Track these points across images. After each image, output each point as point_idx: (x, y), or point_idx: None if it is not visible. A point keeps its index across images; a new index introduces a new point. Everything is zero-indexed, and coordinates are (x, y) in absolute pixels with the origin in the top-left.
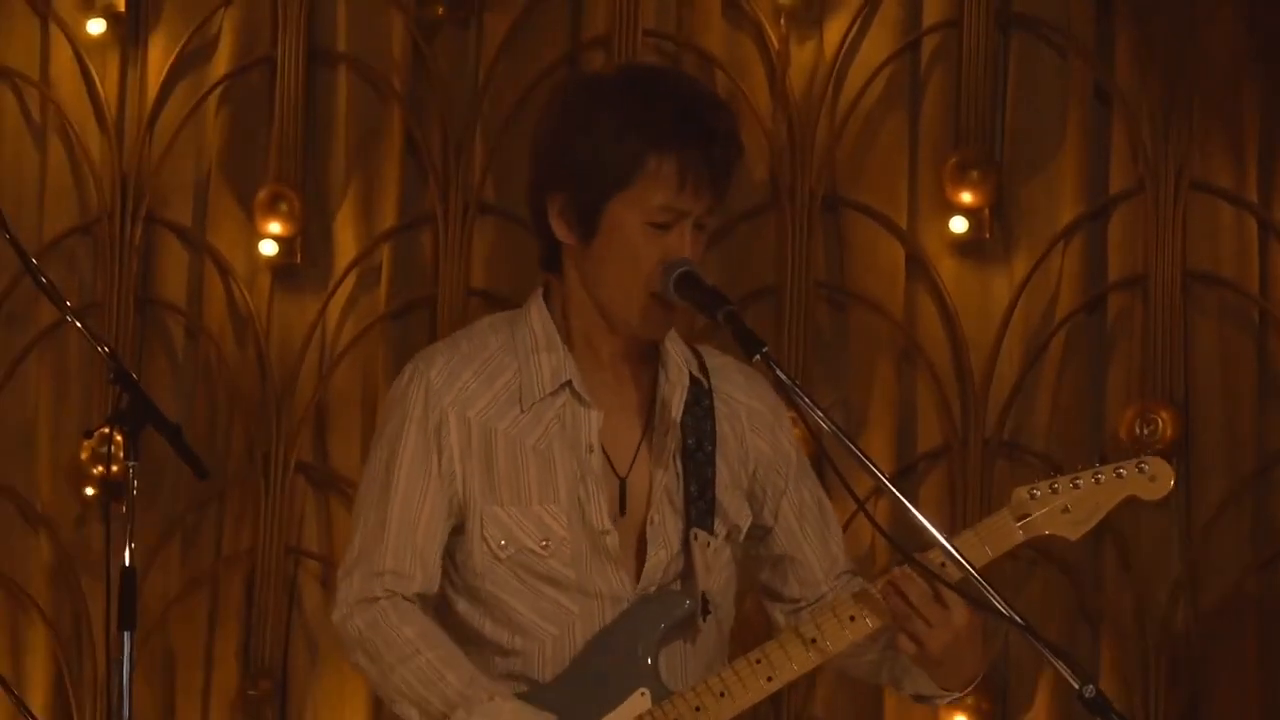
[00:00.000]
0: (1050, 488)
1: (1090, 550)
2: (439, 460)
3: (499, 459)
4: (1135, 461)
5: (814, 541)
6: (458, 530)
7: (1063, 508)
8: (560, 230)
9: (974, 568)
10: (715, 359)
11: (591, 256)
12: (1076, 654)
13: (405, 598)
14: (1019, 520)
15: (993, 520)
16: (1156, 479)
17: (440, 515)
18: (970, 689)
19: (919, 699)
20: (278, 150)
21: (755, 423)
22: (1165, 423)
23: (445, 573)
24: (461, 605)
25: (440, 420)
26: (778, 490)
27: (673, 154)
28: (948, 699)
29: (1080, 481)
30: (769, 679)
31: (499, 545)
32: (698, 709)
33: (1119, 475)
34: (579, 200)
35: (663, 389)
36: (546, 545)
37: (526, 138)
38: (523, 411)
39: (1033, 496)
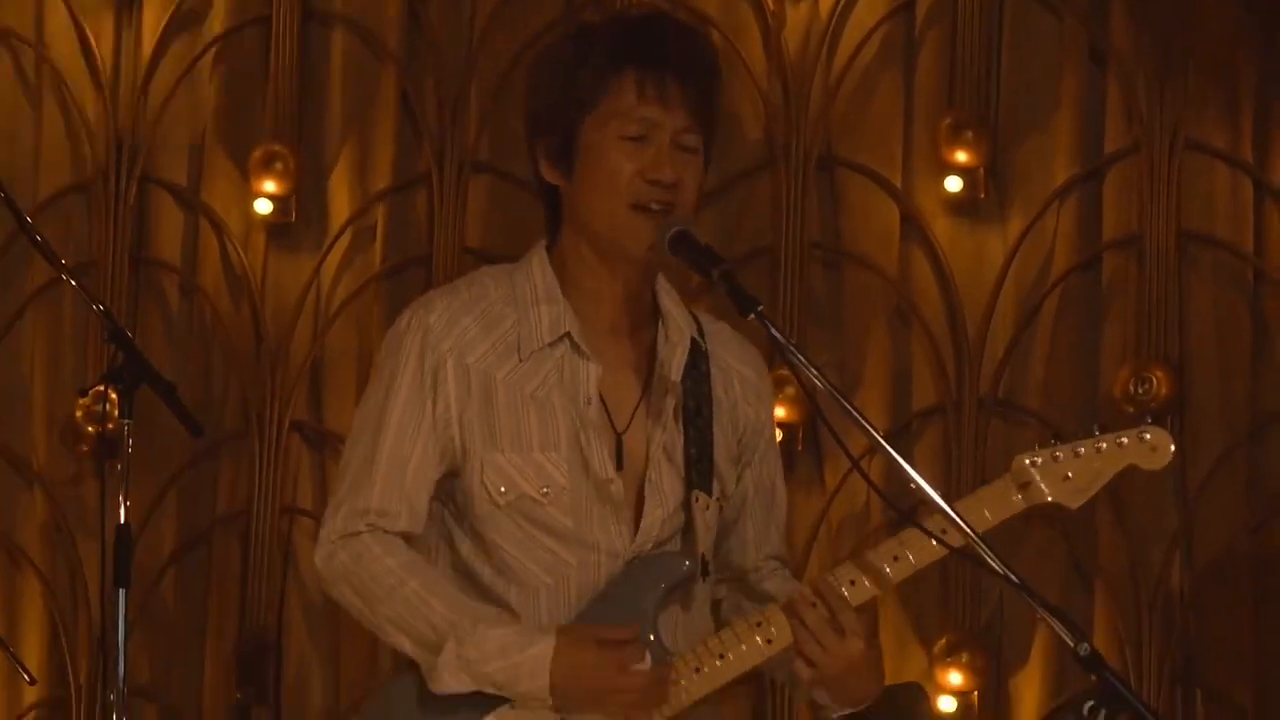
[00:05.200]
0: (1051, 456)
1: (1085, 509)
2: (434, 405)
3: (499, 406)
4: (1136, 431)
5: (758, 518)
6: (453, 474)
7: (1063, 475)
8: (548, 172)
9: (970, 526)
10: (711, 324)
11: (577, 188)
12: (1071, 612)
13: (388, 532)
14: (1020, 487)
15: (994, 487)
16: (1157, 449)
17: (431, 459)
18: (859, 709)
19: (811, 706)
20: (273, 110)
21: (746, 391)
22: (1160, 382)
23: (450, 515)
24: (465, 549)
25: (438, 364)
26: (747, 460)
27: (630, 65)
28: (837, 714)
29: (1081, 450)
30: (768, 641)
31: (499, 492)
32: (698, 670)
33: (1120, 444)
34: (557, 135)
35: (662, 349)
36: (546, 493)
37: (521, 96)
38: (521, 360)
39: (1033, 464)
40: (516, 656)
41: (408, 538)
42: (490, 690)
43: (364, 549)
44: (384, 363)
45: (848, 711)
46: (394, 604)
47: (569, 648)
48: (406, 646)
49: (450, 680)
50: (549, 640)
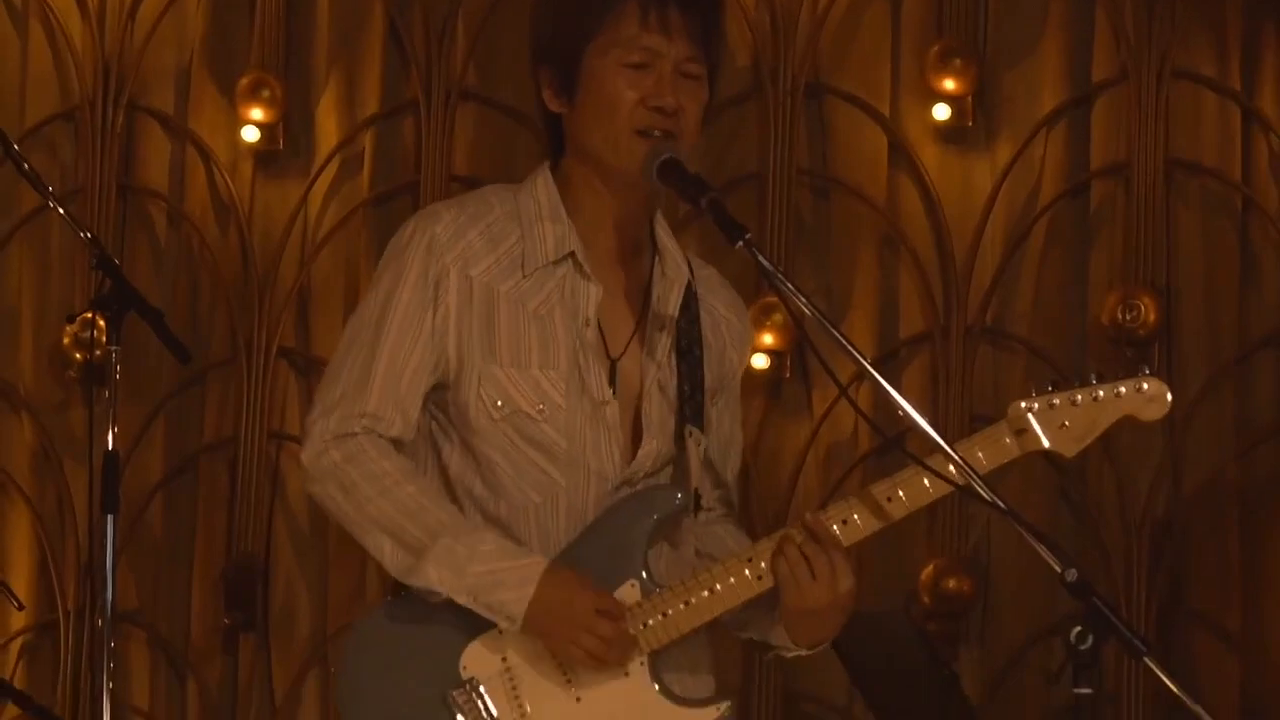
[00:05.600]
0: (1048, 404)
1: None
2: (434, 315)
3: (500, 320)
4: (1134, 381)
5: (715, 458)
6: (442, 387)
7: (1060, 423)
8: (551, 100)
9: (956, 452)
10: (702, 268)
11: (579, 115)
12: (1059, 539)
13: (381, 436)
14: (1015, 434)
15: (989, 432)
16: (1154, 399)
17: (426, 368)
18: (815, 651)
19: (756, 646)
20: (260, 37)
21: (732, 337)
22: (1147, 309)
23: (438, 428)
24: (455, 462)
25: (441, 275)
26: (717, 400)
27: None
28: (790, 654)
29: (1078, 398)
30: (759, 577)
31: (495, 406)
32: (686, 603)
33: (1117, 394)
34: (560, 63)
35: (658, 284)
36: (542, 410)
37: (508, 24)
38: (524, 276)
39: (1030, 411)
40: (508, 562)
41: (398, 445)
42: (463, 597)
43: (358, 449)
44: (385, 270)
45: (802, 652)
46: (385, 505)
47: (561, 573)
48: (386, 547)
49: (432, 572)
50: (544, 559)
